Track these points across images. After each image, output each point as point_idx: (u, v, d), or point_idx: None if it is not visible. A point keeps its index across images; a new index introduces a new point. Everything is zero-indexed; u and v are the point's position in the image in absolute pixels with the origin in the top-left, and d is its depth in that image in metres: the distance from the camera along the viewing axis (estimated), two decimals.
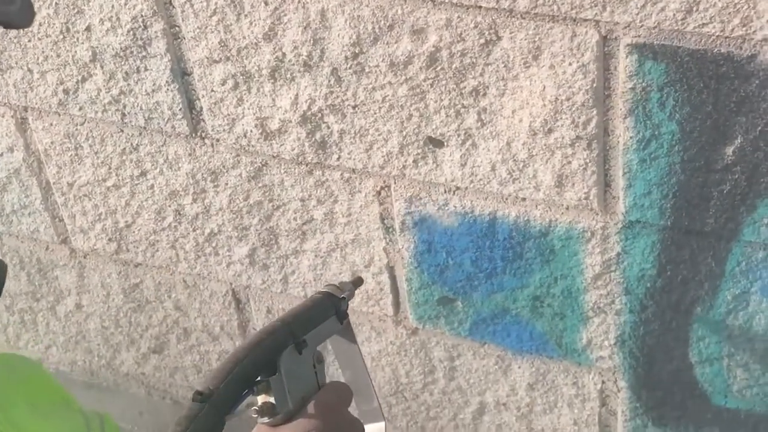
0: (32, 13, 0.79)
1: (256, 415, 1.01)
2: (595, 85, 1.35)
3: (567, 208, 1.49)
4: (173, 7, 1.58)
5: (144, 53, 1.65)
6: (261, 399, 1.00)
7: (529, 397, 1.76)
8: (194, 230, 1.86)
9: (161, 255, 1.94)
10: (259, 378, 1.00)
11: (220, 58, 1.59)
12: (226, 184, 1.75)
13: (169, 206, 1.84)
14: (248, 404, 1.01)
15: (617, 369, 1.63)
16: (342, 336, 1.14)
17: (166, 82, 1.67)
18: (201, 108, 1.68)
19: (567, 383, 1.70)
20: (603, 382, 1.67)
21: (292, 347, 1.02)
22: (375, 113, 1.52)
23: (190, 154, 1.75)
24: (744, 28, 1.23)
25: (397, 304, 1.76)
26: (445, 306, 1.70)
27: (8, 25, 0.77)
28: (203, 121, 1.69)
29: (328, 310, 1.10)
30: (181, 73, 1.66)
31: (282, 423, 1.01)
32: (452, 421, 1.88)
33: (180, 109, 1.69)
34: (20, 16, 0.77)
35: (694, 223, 1.41)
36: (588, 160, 1.42)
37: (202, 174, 1.76)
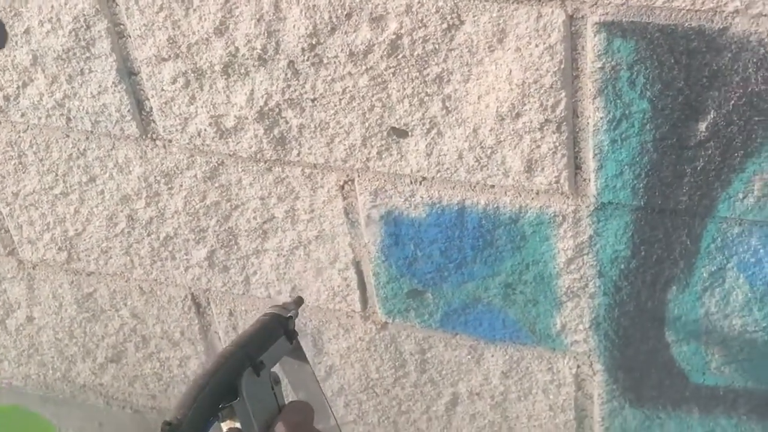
0: (4, 33, 0.73)
1: None
2: (562, 66, 1.32)
3: (537, 193, 1.46)
4: (117, 4, 1.52)
5: (88, 54, 1.59)
6: (226, 425, 1.01)
7: (503, 386, 1.73)
8: (149, 235, 1.80)
9: (115, 262, 1.89)
10: (221, 405, 1.00)
11: (170, 56, 1.54)
12: (181, 185, 1.70)
13: (121, 211, 1.78)
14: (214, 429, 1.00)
15: (592, 352, 1.61)
16: (293, 356, 1.16)
17: (113, 83, 1.61)
18: (151, 108, 1.62)
19: (541, 369, 1.68)
20: (578, 366, 1.65)
21: (251, 370, 1.03)
22: (335, 105, 1.48)
23: (141, 157, 1.69)
24: (714, 1, 1.20)
25: (364, 299, 1.72)
26: (415, 299, 1.67)
27: None
28: (154, 121, 1.64)
29: (277, 331, 1.11)
30: (128, 73, 1.60)
31: None
32: (425, 414, 1.85)
33: (128, 111, 1.64)
34: None
35: (667, 202, 1.39)
36: (557, 144, 1.39)
37: (155, 176, 1.71)
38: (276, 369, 1.10)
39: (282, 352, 1.12)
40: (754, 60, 1.23)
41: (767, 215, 1.35)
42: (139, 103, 1.63)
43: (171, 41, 1.51)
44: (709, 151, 1.32)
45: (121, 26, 1.55)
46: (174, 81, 1.56)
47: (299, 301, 1.18)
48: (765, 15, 1.19)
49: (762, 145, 1.29)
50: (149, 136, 1.66)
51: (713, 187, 1.35)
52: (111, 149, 1.71)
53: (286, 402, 1.09)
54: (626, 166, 1.38)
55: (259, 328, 1.10)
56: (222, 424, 1.01)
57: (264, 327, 1.10)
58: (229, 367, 1.02)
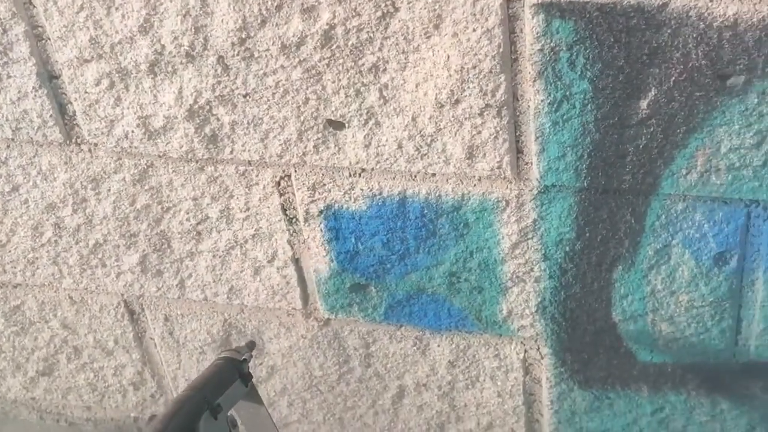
0: None
1: None
2: (501, 50, 1.30)
3: (479, 180, 1.45)
4: (34, 6, 1.47)
5: (5, 59, 1.53)
6: None
7: (450, 375, 1.72)
8: (77, 243, 1.75)
9: (42, 272, 1.82)
10: None
11: (92, 57, 1.48)
12: (109, 190, 1.65)
13: (47, 220, 1.73)
14: None
15: (539, 336, 1.60)
16: (248, 399, 1.16)
17: (33, 88, 1.55)
18: (74, 112, 1.57)
19: (488, 356, 1.67)
20: (525, 351, 1.64)
21: (208, 413, 1.04)
22: (268, 100, 1.45)
23: (65, 163, 1.64)
24: None
25: (305, 296, 1.69)
26: (358, 293, 1.64)
27: None
28: (78, 126, 1.58)
29: (233, 374, 1.13)
30: (48, 77, 1.54)
31: None
32: (371, 408, 1.82)
33: (51, 116, 1.58)
34: None
35: (611, 182, 1.39)
36: (498, 128, 1.38)
37: (81, 182, 1.65)
38: (231, 413, 1.09)
39: (238, 395, 1.12)
40: (694, 35, 1.22)
41: (711, 190, 1.35)
42: (61, 108, 1.57)
43: (93, 42, 1.46)
44: (651, 129, 1.32)
45: (40, 29, 1.49)
46: (98, 83, 1.51)
47: (252, 345, 1.19)
48: None
49: (704, 120, 1.29)
50: (74, 141, 1.61)
51: (656, 164, 1.35)
52: (34, 156, 1.65)
53: None
54: (568, 148, 1.37)
55: (215, 372, 1.10)
56: None
57: (219, 371, 1.11)
58: (186, 411, 1.02)
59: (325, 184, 1.52)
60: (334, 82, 1.40)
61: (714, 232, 1.39)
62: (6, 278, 1.86)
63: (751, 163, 1.31)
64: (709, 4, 1.20)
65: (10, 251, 1.81)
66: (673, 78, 1.27)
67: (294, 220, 1.59)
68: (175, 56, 1.44)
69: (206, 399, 1.04)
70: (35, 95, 1.56)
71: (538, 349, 1.63)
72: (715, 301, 1.46)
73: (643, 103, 1.30)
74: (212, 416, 1.03)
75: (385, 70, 1.37)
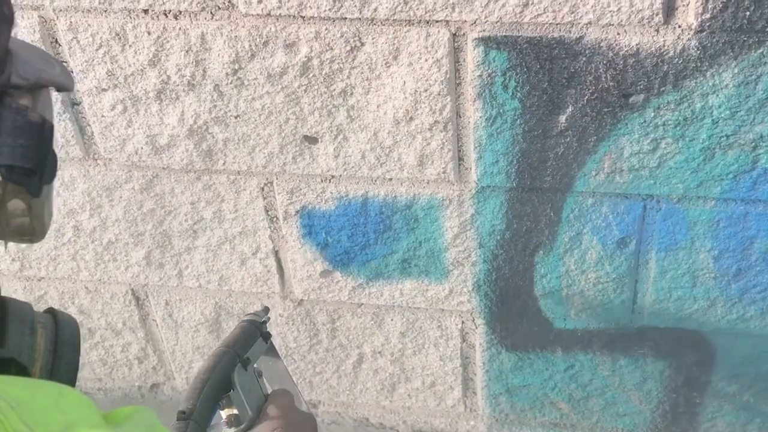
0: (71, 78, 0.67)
1: (225, 427, 1.00)
2: (448, 76, 1.27)
3: (428, 183, 1.41)
4: (60, 45, 1.40)
5: None
6: (225, 413, 0.99)
7: (401, 344, 1.68)
8: (93, 242, 1.67)
9: (63, 267, 1.74)
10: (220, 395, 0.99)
11: (108, 87, 1.42)
12: (120, 197, 1.58)
13: (68, 223, 1.65)
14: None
15: (474, 310, 1.57)
16: (268, 354, 1.14)
17: (58, 113, 1.48)
18: (92, 133, 1.50)
19: (433, 327, 1.63)
20: (463, 322, 1.61)
21: (240, 366, 1.02)
22: (255, 120, 1.40)
23: (84, 175, 1.57)
24: (572, 15, 1.18)
25: (283, 282, 1.64)
26: (326, 278, 1.59)
27: (59, 88, 0.65)
28: (95, 144, 1.52)
29: (255, 333, 1.09)
30: (71, 104, 1.48)
31: (248, 429, 0.99)
32: (335, 373, 1.78)
33: (72, 136, 1.51)
34: (64, 79, 0.65)
35: (535, 182, 1.36)
36: (444, 140, 1.35)
37: (98, 191, 1.58)
38: (256, 365, 1.07)
39: (260, 350, 1.10)
40: (604, 62, 1.20)
41: (615, 188, 1.34)
42: (81, 129, 1.50)
43: (110, 74, 1.40)
44: (568, 139, 1.30)
45: (65, 63, 1.42)
46: (113, 108, 1.44)
47: (267, 310, 1.17)
48: (612, 24, 1.17)
49: (611, 130, 1.27)
50: (91, 156, 1.54)
51: (572, 167, 1.33)
52: (58, 170, 1.57)
53: (269, 391, 1.05)
54: (501, 155, 1.34)
55: (241, 332, 1.08)
56: (221, 412, 0.98)
57: (245, 330, 1.08)
58: (224, 364, 1.00)
59: (301, 189, 1.47)
60: (310, 104, 1.36)
61: (617, 221, 1.37)
62: (32, 273, 1.78)
63: (647, 165, 1.29)
64: (617, 36, 1.18)
65: (35, 250, 1.72)
66: (587, 97, 1.25)
67: (275, 219, 1.54)
68: (178, 85, 1.38)
69: (238, 353, 1.01)
70: (59, 119, 1.49)
71: (474, 320, 1.60)
72: (617, 278, 1.44)
73: (562, 118, 1.28)
74: (243, 368, 1.01)
75: (352, 94, 1.33)
